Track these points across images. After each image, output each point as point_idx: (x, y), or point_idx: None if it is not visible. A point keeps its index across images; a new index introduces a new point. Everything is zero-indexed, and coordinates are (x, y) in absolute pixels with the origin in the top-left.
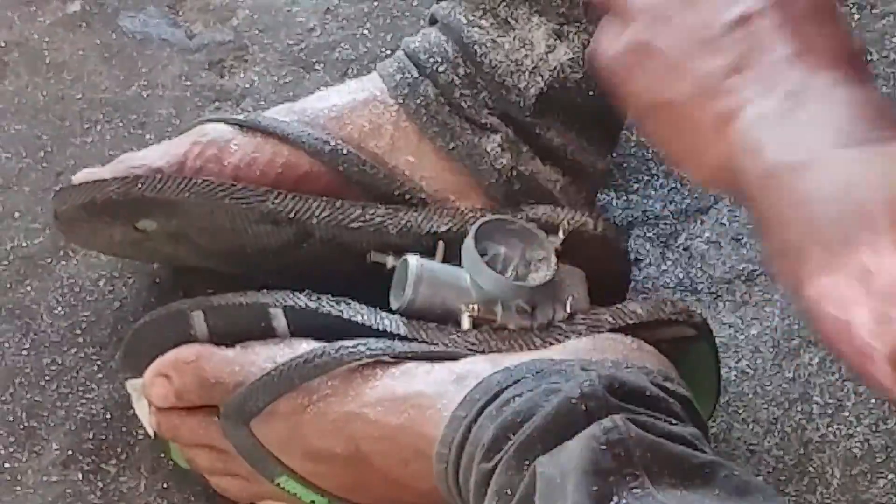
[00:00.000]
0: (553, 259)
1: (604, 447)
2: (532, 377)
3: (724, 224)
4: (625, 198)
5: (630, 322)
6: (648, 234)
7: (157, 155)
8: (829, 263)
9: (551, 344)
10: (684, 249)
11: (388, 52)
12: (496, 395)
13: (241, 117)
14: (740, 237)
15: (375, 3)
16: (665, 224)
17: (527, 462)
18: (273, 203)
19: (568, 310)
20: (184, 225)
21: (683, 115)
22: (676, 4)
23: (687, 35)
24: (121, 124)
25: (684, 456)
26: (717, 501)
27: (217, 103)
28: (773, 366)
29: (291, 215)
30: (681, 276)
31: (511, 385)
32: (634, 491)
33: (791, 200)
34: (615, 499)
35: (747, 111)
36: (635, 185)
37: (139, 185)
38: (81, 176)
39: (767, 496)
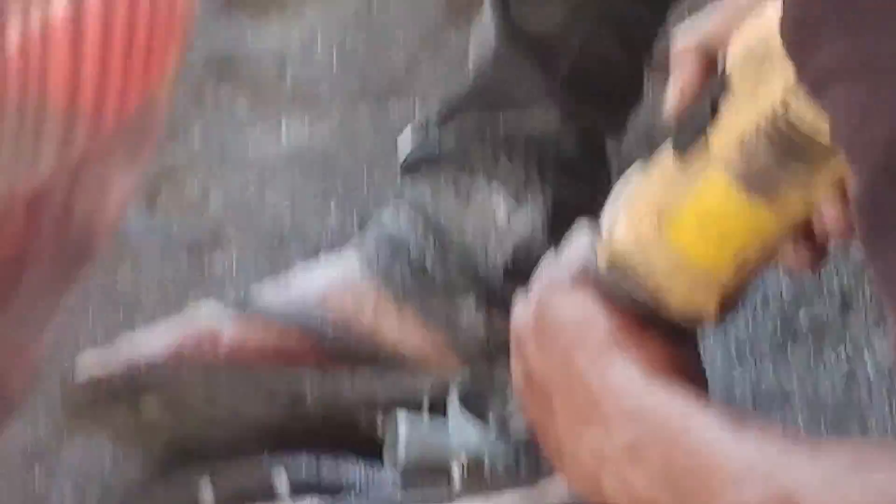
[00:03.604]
0: None
1: None
2: None
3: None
4: None
5: None
6: None
7: (153, 343)
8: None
9: (540, 480)
10: None
11: (356, 227)
12: None
13: (230, 300)
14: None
15: (337, 180)
16: None
17: None
18: (267, 380)
19: None
20: (183, 410)
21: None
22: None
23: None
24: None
25: None
26: None
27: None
28: None
29: (285, 390)
30: None
31: None
32: None
33: None
34: None
35: None
36: None
37: (140, 376)
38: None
39: None
